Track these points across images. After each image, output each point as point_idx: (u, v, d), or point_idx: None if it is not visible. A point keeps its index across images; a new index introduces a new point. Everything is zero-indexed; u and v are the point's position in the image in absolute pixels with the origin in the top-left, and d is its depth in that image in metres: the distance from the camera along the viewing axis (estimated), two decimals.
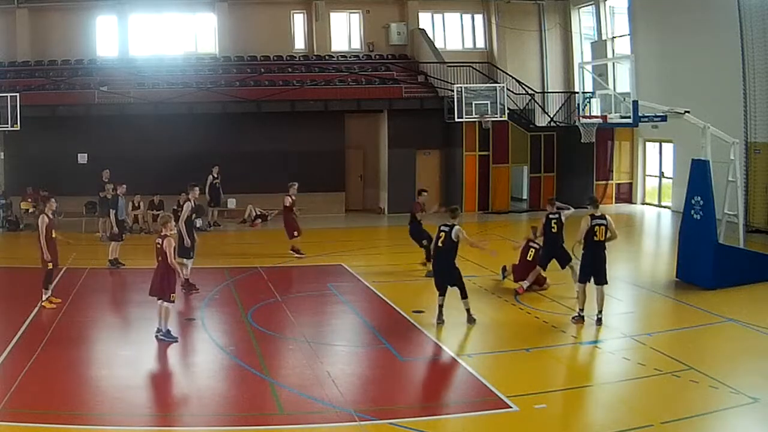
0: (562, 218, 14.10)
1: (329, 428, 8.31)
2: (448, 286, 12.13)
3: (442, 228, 12.13)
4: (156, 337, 11.19)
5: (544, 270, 14.21)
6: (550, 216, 14.20)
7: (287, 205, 18.04)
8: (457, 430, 8.43)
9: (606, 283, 11.96)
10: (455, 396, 9.45)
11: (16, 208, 22.59)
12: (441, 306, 12.20)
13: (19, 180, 23.10)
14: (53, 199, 13.76)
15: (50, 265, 13.18)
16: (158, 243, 11.32)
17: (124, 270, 16.86)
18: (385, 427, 8.19)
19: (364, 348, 11.50)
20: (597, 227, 11.85)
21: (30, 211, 21.95)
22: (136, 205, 21.88)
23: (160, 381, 9.62)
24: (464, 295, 12.17)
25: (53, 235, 13.22)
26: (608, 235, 11.95)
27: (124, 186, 18.05)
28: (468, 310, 12.19)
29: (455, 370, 10.25)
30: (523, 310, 13.06)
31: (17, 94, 21.39)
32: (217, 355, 10.95)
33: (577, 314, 12.14)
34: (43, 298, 13.04)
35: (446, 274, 12.14)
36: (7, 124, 21.20)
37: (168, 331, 11.20)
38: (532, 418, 8.49)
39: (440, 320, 12.14)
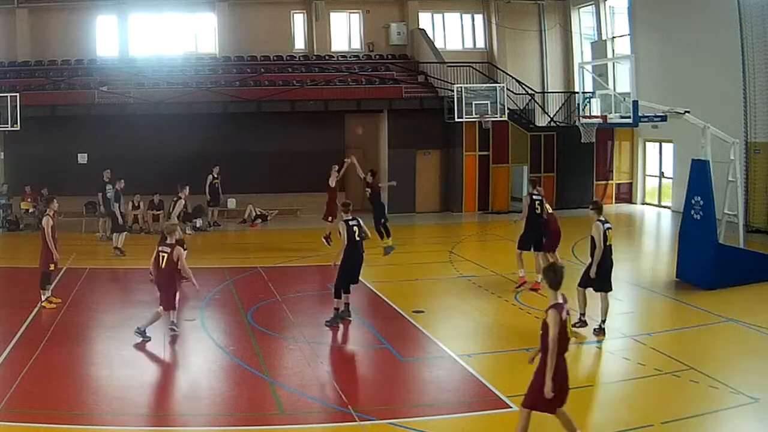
0: (545, 201, 14.37)
1: (329, 428, 8.32)
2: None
3: (353, 222, 12.23)
4: (137, 331, 11.12)
5: (524, 250, 14.36)
6: (534, 197, 14.34)
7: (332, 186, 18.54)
8: (457, 430, 8.42)
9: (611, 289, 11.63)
10: (455, 396, 9.44)
11: (16, 208, 22.60)
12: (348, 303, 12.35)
13: (19, 180, 23.09)
14: (55, 200, 13.78)
15: (53, 267, 13.19)
16: (164, 251, 11.18)
17: (124, 270, 16.87)
18: (385, 427, 8.19)
19: (364, 348, 11.51)
20: (608, 231, 11.49)
21: (30, 211, 21.95)
22: (136, 204, 21.89)
23: (160, 381, 9.64)
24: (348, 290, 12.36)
25: (55, 235, 13.24)
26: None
27: (122, 181, 18.73)
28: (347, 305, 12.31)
29: (455, 370, 10.24)
30: (523, 310, 13.06)
31: (17, 94, 21.42)
32: (217, 355, 10.95)
33: (578, 319, 11.55)
34: (42, 299, 13.04)
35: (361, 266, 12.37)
36: (7, 124, 21.23)
37: (173, 329, 11.33)
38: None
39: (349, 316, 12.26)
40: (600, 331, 11.38)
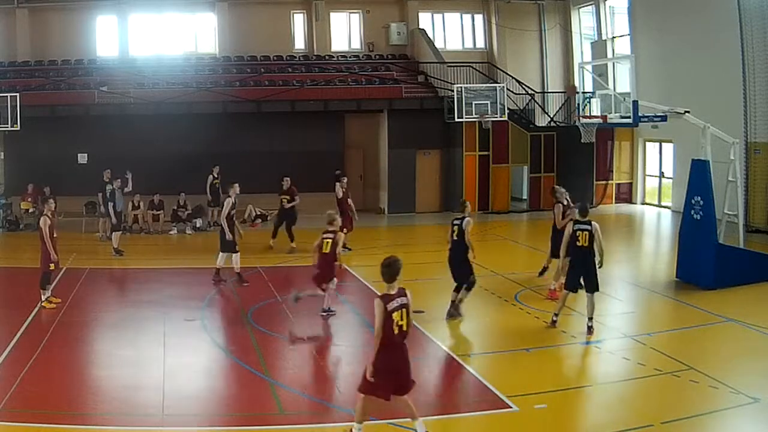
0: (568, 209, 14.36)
1: (329, 428, 8.30)
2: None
3: (456, 222, 12.56)
4: (321, 315, 12.41)
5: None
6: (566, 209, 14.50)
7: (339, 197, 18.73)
8: (457, 430, 8.43)
9: (596, 290, 11.53)
10: (455, 396, 9.45)
11: (16, 208, 22.61)
12: (454, 301, 12.53)
13: (19, 180, 23.10)
14: (51, 200, 13.77)
15: (53, 266, 13.18)
16: (327, 238, 12.45)
17: (123, 270, 16.87)
18: (385, 427, 8.18)
19: (364, 348, 11.48)
20: (579, 232, 11.47)
21: (30, 211, 21.95)
22: (136, 204, 21.89)
23: (160, 381, 9.63)
24: (468, 289, 12.49)
25: (54, 235, 13.24)
26: (594, 242, 11.49)
27: (119, 180, 18.95)
28: (460, 301, 12.47)
29: (455, 370, 10.24)
30: (523, 310, 13.06)
31: (17, 94, 21.43)
32: (217, 355, 10.96)
33: (551, 320, 11.84)
34: (42, 299, 13.04)
35: (458, 266, 12.59)
36: (7, 124, 21.24)
37: (328, 309, 12.60)
38: (532, 418, 8.48)
39: (454, 315, 12.43)
40: (589, 331, 11.51)
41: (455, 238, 12.52)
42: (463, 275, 12.47)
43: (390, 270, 7.46)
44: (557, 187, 15.16)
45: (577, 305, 12.56)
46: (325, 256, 12.48)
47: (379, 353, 7.38)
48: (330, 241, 12.46)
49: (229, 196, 15.32)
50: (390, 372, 7.42)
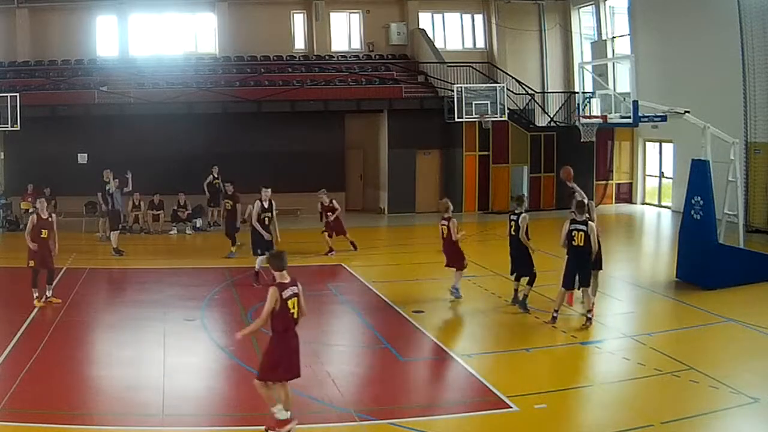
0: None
1: (329, 428, 8.30)
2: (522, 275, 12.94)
3: (513, 217, 12.85)
4: (450, 291, 13.31)
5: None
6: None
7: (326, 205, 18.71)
8: (457, 430, 8.42)
9: (587, 285, 11.77)
10: (455, 396, 9.44)
11: (16, 208, 22.60)
12: (516, 290, 12.97)
13: (19, 180, 23.09)
14: (43, 199, 13.80)
15: (32, 263, 13.16)
16: (443, 225, 13.35)
17: (123, 270, 16.86)
18: (385, 427, 8.19)
19: (364, 348, 11.50)
20: (575, 232, 11.62)
21: (30, 211, 21.92)
22: (136, 204, 21.89)
23: (160, 381, 9.63)
24: (530, 283, 12.71)
25: (42, 235, 13.20)
26: (590, 241, 11.56)
27: (117, 180, 18.86)
28: (525, 296, 12.72)
29: (455, 370, 10.24)
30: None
31: (17, 94, 21.41)
32: (217, 355, 10.95)
33: (552, 316, 11.97)
34: (34, 297, 13.04)
35: (518, 260, 12.93)
36: (7, 124, 21.22)
37: (456, 289, 13.34)
38: (532, 418, 8.48)
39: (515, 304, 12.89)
40: (588, 321, 11.74)
41: (512, 233, 12.88)
42: (524, 267, 12.83)
43: (278, 259, 7.98)
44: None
45: (577, 306, 12.58)
46: (445, 242, 13.37)
47: (278, 338, 7.80)
48: (445, 227, 13.31)
49: (258, 200, 15.38)
50: (291, 353, 7.85)
